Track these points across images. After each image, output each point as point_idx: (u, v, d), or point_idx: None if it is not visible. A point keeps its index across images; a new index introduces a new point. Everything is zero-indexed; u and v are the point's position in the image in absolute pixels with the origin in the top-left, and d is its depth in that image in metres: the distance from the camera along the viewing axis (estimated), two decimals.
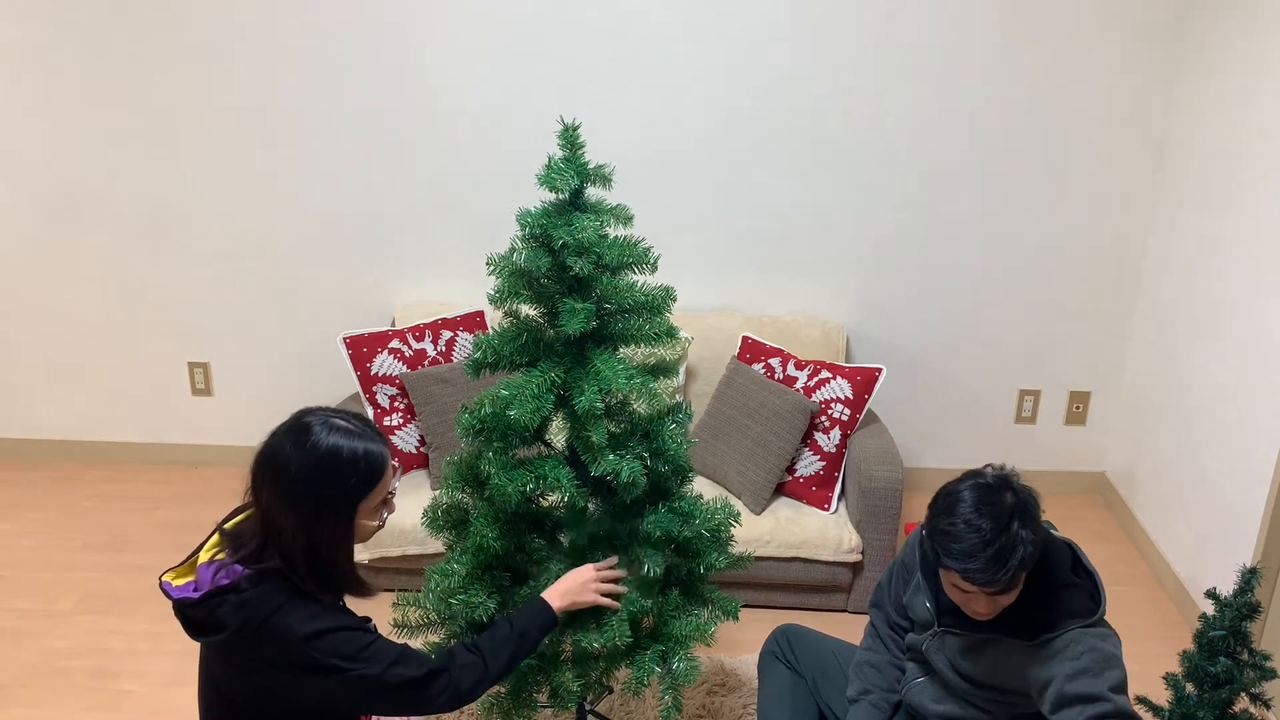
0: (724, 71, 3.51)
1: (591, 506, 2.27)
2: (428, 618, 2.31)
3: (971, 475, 1.93)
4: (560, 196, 2.08)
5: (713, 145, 3.60)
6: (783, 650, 2.43)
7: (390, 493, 1.87)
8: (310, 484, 1.75)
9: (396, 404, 3.36)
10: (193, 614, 1.78)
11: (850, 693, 2.26)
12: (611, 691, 2.48)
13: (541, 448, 2.21)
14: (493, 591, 2.19)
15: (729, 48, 3.48)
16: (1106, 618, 3.18)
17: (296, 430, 1.78)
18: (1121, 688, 1.87)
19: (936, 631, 2.09)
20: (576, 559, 2.25)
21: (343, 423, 1.80)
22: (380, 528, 1.87)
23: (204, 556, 1.82)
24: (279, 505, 1.75)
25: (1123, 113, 3.53)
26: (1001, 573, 1.83)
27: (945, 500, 1.91)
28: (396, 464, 1.89)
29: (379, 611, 3.19)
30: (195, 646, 3.03)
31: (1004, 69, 3.48)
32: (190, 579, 1.81)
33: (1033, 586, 1.95)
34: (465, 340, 3.48)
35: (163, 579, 1.83)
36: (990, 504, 1.85)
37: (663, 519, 2.17)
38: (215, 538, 1.86)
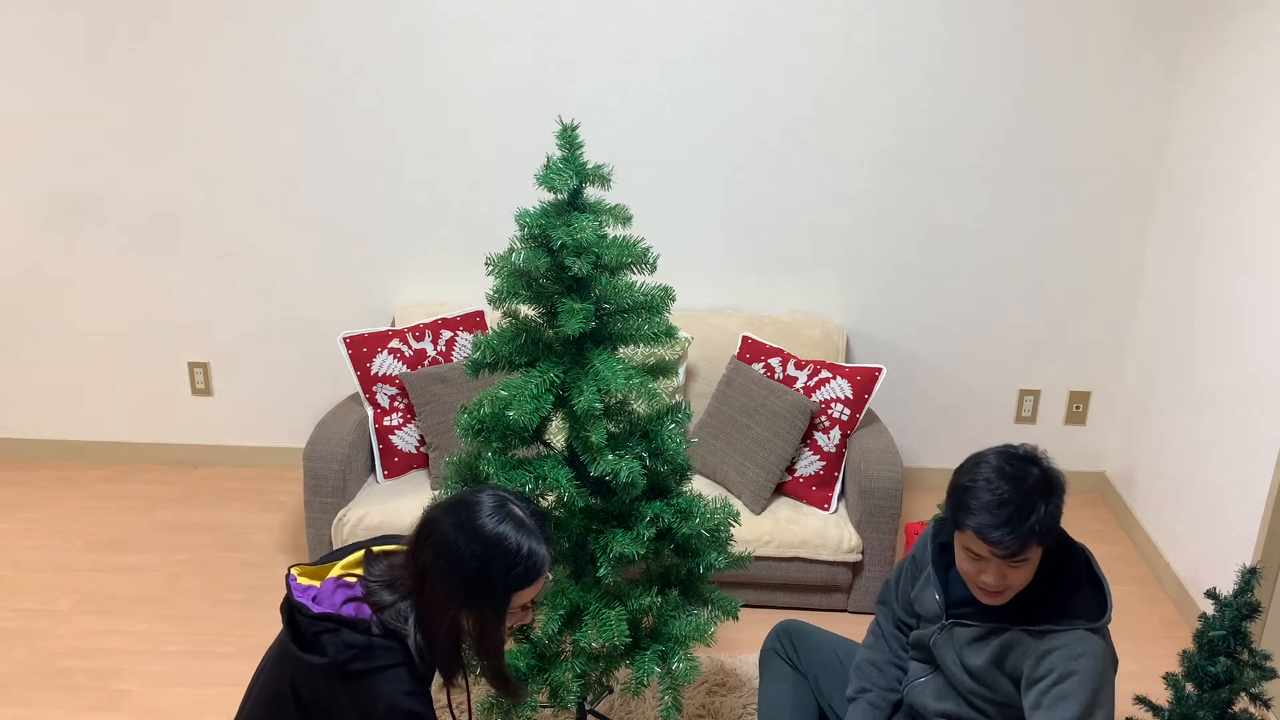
0: (724, 71, 3.51)
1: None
2: None
3: (1003, 446, 1.98)
4: (559, 197, 2.08)
5: (712, 145, 3.60)
6: (784, 648, 2.42)
7: (535, 601, 1.81)
8: (469, 568, 1.69)
9: (396, 404, 3.37)
10: (300, 622, 1.73)
11: (849, 691, 2.26)
12: (611, 691, 2.48)
13: (540, 448, 2.21)
14: None
15: (729, 48, 3.48)
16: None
17: (467, 508, 1.73)
18: (1095, 706, 1.86)
19: (945, 624, 2.09)
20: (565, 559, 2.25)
21: (517, 511, 1.75)
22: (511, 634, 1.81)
23: (337, 570, 1.78)
24: (433, 579, 1.71)
25: (1123, 113, 3.53)
26: (1014, 534, 1.85)
27: (971, 461, 1.97)
28: (551, 576, 1.83)
29: None
30: (195, 646, 3.03)
31: (1004, 70, 3.48)
32: (315, 585, 1.77)
33: (1047, 578, 1.97)
34: (465, 340, 3.48)
35: (291, 570, 1.79)
36: (1013, 469, 1.90)
37: (657, 506, 2.17)
38: (356, 555, 1.81)
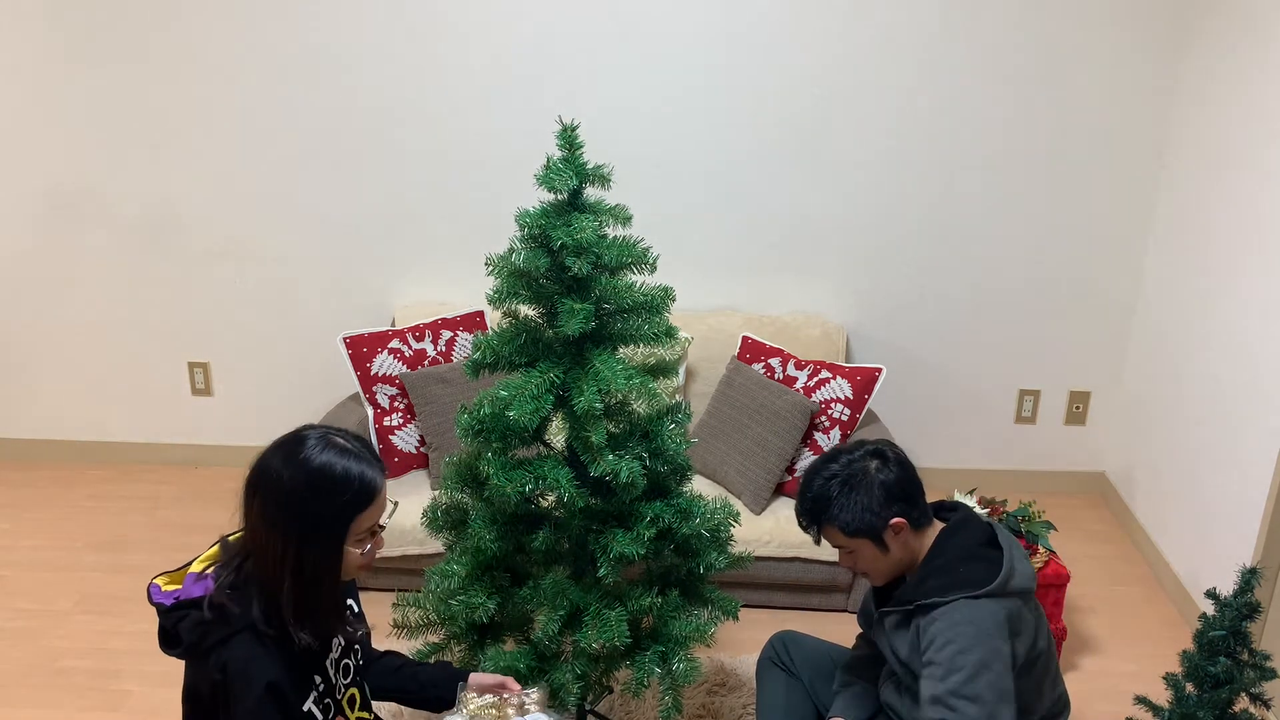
0: (724, 72, 3.50)
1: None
2: (427, 618, 2.32)
3: (879, 439, 2.13)
4: (559, 197, 2.08)
5: (713, 145, 3.60)
6: (779, 655, 2.44)
7: (380, 526, 1.78)
8: (301, 502, 1.67)
9: (396, 404, 3.36)
10: (162, 622, 1.74)
11: (835, 685, 2.29)
12: (611, 692, 2.48)
13: (541, 448, 2.21)
14: (492, 592, 2.19)
15: (729, 48, 3.48)
16: (1107, 619, 3.16)
17: (290, 445, 1.71)
18: (976, 672, 1.86)
19: (876, 617, 2.13)
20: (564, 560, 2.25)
21: (340, 440, 1.72)
22: (367, 565, 1.78)
23: (196, 566, 1.78)
24: (266, 524, 1.68)
25: (1123, 113, 3.53)
26: (807, 519, 2.06)
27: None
28: (395, 501, 1.80)
29: (379, 612, 3.19)
30: None
31: (1004, 70, 3.48)
32: (177, 587, 1.76)
33: (937, 559, 2.03)
34: (465, 340, 3.48)
35: (154, 581, 1.79)
36: (844, 462, 2.04)
37: (657, 506, 2.17)
38: (213, 549, 1.81)
